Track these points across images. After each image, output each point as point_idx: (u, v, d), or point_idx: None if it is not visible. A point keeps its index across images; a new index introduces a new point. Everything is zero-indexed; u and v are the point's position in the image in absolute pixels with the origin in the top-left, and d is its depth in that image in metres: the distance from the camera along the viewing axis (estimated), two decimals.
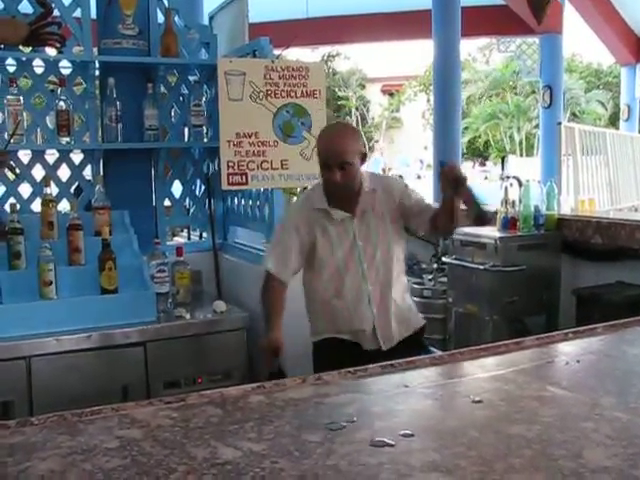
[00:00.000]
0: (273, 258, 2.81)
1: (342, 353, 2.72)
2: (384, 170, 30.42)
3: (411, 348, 2.67)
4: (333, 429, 1.14)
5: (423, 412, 1.23)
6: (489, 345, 1.58)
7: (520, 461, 1.01)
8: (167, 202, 4.14)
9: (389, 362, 1.45)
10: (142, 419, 1.23)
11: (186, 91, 4.06)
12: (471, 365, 1.49)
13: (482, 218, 2.83)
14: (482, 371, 1.45)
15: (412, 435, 1.10)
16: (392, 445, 1.07)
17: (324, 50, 31.27)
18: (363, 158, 2.77)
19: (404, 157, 31.17)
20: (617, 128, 14.49)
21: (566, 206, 5.55)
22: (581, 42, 21.57)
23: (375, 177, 2.95)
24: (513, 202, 4.92)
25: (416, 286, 4.81)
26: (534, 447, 1.07)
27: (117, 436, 1.14)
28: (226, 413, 1.25)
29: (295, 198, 5.02)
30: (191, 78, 4.04)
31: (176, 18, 3.90)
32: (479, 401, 1.25)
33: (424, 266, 5.30)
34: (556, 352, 1.61)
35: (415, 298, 4.68)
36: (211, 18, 4.44)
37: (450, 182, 2.60)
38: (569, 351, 1.64)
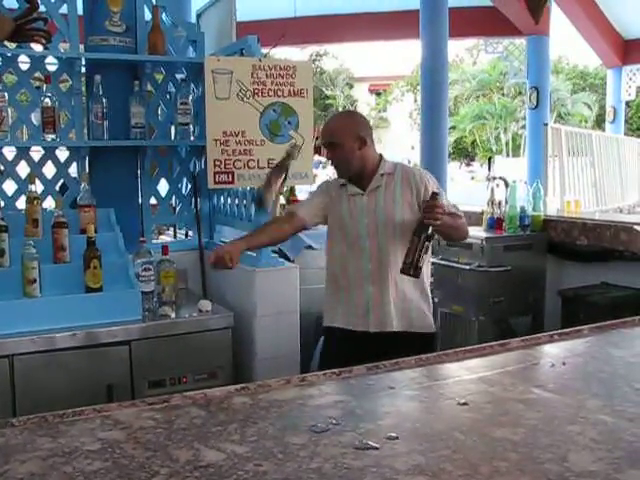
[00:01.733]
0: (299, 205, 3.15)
1: (340, 342, 2.93)
2: None
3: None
4: (317, 431, 1.13)
5: (408, 414, 1.22)
6: (475, 347, 1.57)
7: (505, 464, 1.01)
8: (153, 200, 4.11)
9: (374, 364, 1.44)
10: (125, 420, 1.21)
11: (173, 89, 4.03)
12: (457, 367, 1.49)
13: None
14: (468, 373, 1.44)
15: (397, 438, 1.09)
16: (377, 448, 1.06)
17: (312, 49, 31.28)
18: (362, 142, 2.90)
19: (391, 157, 31.18)
20: (603, 130, 14.57)
21: (552, 207, 5.58)
22: (568, 44, 21.66)
23: (399, 165, 3.06)
24: (499, 203, 4.93)
25: None
26: (520, 450, 1.06)
27: (99, 438, 1.13)
28: (210, 414, 1.24)
29: (281, 197, 5.01)
30: (178, 76, 4.01)
31: (163, 15, 3.87)
32: (464, 403, 1.25)
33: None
34: (542, 354, 1.61)
35: None
36: (199, 16, 4.42)
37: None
38: (555, 353, 1.64)
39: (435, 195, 2.75)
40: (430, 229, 2.71)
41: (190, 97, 3.93)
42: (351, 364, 2.58)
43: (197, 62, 3.79)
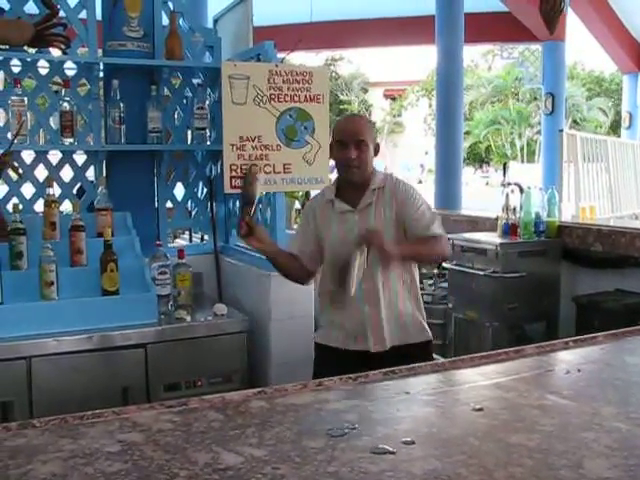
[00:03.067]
0: (290, 242, 3.05)
1: (337, 360, 2.75)
2: None
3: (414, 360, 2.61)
4: (334, 435, 1.14)
5: (424, 419, 1.23)
6: (490, 353, 1.58)
7: (521, 470, 1.01)
8: (169, 204, 4.14)
9: (390, 369, 1.45)
10: (143, 423, 1.23)
11: (190, 94, 4.06)
12: (472, 372, 1.50)
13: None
14: (483, 379, 1.45)
15: (413, 442, 1.10)
16: (393, 452, 1.07)
17: (327, 54, 31.32)
18: (376, 149, 2.85)
19: (406, 162, 31.19)
20: (618, 136, 14.50)
21: (567, 213, 5.56)
22: (583, 50, 21.59)
23: (389, 178, 2.93)
24: (514, 208, 4.93)
25: None
26: (535, 456, 1.07)
27: (118, 440, 1.15)
28: (227, 418, 1.25)
29: (297, 202, 5.04)
30: (195, 81, 4.04)
31: (181, 21, 3.91)
32: (480, 409, 1.25)
33: (424, 271, 5.30)
34: (557, 360, 1.61)
35: None
36: (215, 21, 4.45)
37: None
38: (570, 360, 1.65)
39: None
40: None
41: (207, 102, 3.95)
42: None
43: (214, 67, 3.81)
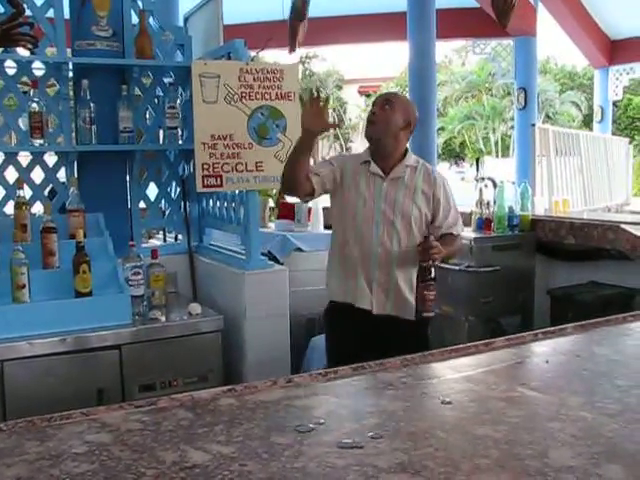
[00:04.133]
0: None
1: (342, 316, 3.06)
2: None
3: (410, 336, 2.91)
4: (302, 431, 1.14)
5: (392, 413, 1.24)
6: (460, 346, 1.59)
7: (486, 461, 1.02)
8: (142, 204, 4.12)
9: (360, 364, 1.46)
10: (112, 423, 1.22)
11: (161, 93, 4.04)
12: (442, 366, 1.50)
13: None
14: (452, 372, 1.46)
15: (381, 437, 1.11)
16: (360, 447, 1.07)
17: (301, 51, 31.25)
18: (407, 125, 3.03)
19: None
20: (591, 129, 14.64)
21: (540, 207, 5.60)
22: (556, 45, 21.75)
23: (421, 161, 3.14)
24: (488, 203, 4.96)
25: None
26: (501, 447, 1.08)
27: (86, 441, 1.14)
28: (196, 416, 1.25)
29: (270, 200, 5.02)
30: (166, 80, 4.02)
31: (150, 19, 3.88)
32: (448, 402, 1.26)
33: None
34: (526, 353, 1.63)
35: None
36: (186, 19, 4.43)
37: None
38: (539, 351, 1.66)
39: (427, 238, 2.88)
40: (432, 270, 2.87)
41: (178, 101, 3.94)
42: (353, 339, 2.73)
43: (185, 66, 3.79)
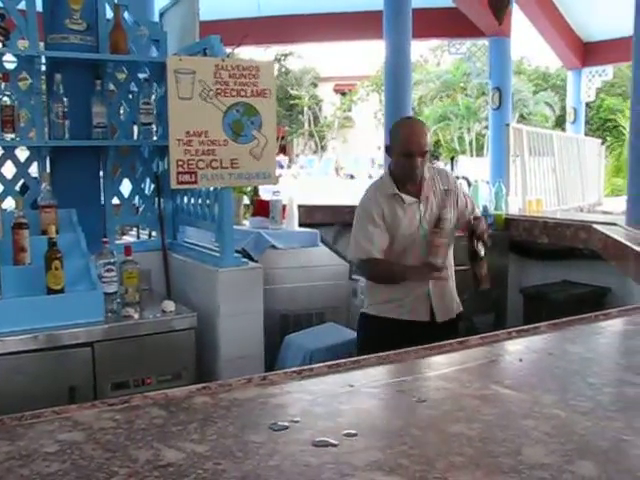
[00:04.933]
0: (360, 246, 3.14)
1: (383, 328, 3.16)
2: (336, 169, 30.53)
3: (452, 329, 3.20)
4: (276, 429, 1.14)
5: (367, 412, 1.24)
6: (434, 344, 1.59)
7: (461, 459, 1.02)
8: (116, 200, 4.09)
9: (335, 362, 1.45)
10: (84, 422, 1.21)
11: (135, 89, 4.01)
12: (416, 364, 1.51)
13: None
14: (427, 370, 1.46)
15: (355, 435, 1.10)
16: (335, 445, 1.07)
17: (277, 49, 31.23)
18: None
19: (356, 156, 31.28)
20: (564, 130, 14.77)
21: (514, 206, 5.64)
22: (530, 46, 21.90)
23: (430, 167, 3.31)
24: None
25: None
26: (475, 445, 1.08)
27: (58, 440, 1.12)
28: (170, 414, 1.24)
29: (245, 197, 5.01)
30: (141, 75, 4.00)
31: (125, 14, 3.86)
32: (423, 400, 1.26)
33: None
34: (500, 351, 1.63)
35: (364, 297, 4.73)
36: (161, 15, 4.40)
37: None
38: (512, 350, 1.67)
39: (475, 223, 3.21)
40: (483, 249, 3.24)
41: (153, 97, 3.92)
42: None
43: (160, 62, 3.78)
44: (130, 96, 4.01)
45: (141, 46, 3.94)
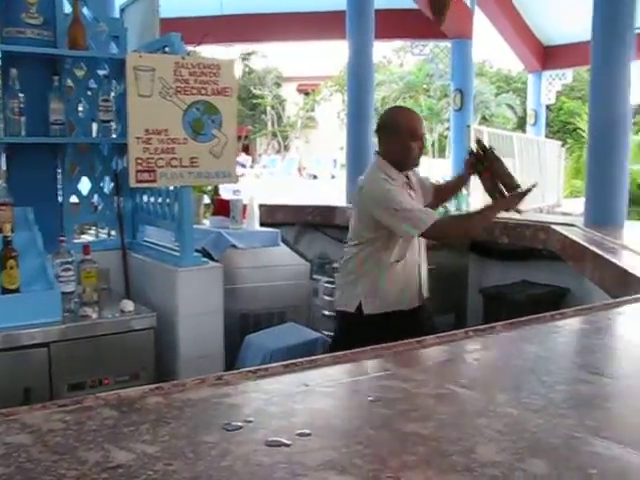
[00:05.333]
0: (417, 217, 3.03)
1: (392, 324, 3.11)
2: (299, 170, 30.50)
3: (426, 311, 3.38)
4: (230, 430, 1.12)
5: (322, 411, 1.23)
6: (391, 344, 1.59)
7: (414, 458, 1.02)
8: (74, 199, 4.03)
9: (291, 361, 1.44)
10: (33, 424, 1.18)
11: (94, 85, 3.96)
12: (372, 364, 1.50)
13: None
14: (383, 369, 1.46)
15: (309, 434, 1.10)
16: (288, 445, 1.06)
17: (241, 48, 31.13)
18: None
19: (318, 157, 31.30)
20: (524, 132, 14.95)
21: (475, 207, 5.68)
22: (492, 48, 22.14)
23: None
24: None
25: (328, 285, 4.83)
26: (429, 444, 1.08)
27: (4, 443, 1.09)
28: (122, 415, 1.22)
29: (205, 197, 4.97)
30: (100, 72, 3.94)
31: (84, 9, 3.80)
32: (377, 399, 1.26)
33: (335, 265, 5.32)
34: (456, 350, 1.64)
35: (326, 297, 4.73)
36: (122, 11, 4.35)
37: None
38: (469, 349, 1.68)
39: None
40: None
41: (112, 94, 3.87)
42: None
43: (119, 58, 3.73)
44: (89, 93, 3.96)
45: (100, 42, 3.89)
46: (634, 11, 4.44)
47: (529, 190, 3.29)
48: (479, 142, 3.46)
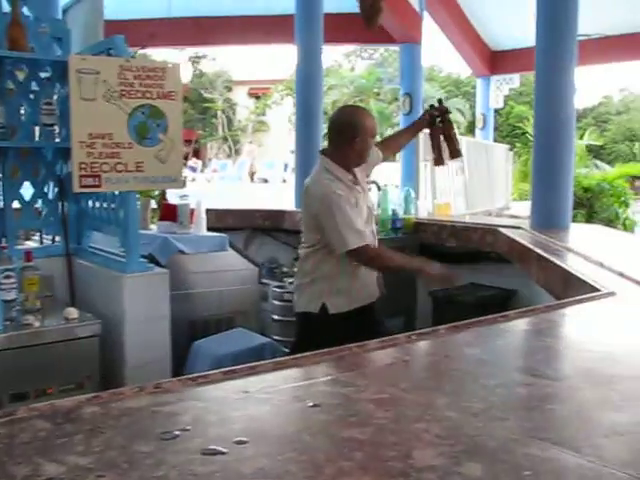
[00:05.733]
0: (351, 234, 3.05)
1: (365, 317, 3.21)
2: (250, 174, 30.40)
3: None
4: (166, 439, 1.10)
5: (259, 418, 1.22)
6: (332, 349, 1.58)
7: (350, 464, 1.02)
8: (17, 204, 3.95)
9: (231, 368, 1.43)
10: None
11: (37, 88, 3.88)
12: (313, 369, 1.50)
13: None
14: (323, 375, 1.45)
15: (246, 442, 1.08)
16: (224, 453, 1.05)
17: (191, 51, 30.91)
18: None
19: (270, 161, 31.23)
20: (474, 136, 15.13)
21: (424, 210, 5.74)
22: (442, 53, 22.39)
23: None
24: (372, 206, 5.03)
25: (277, 289, 4.81)
26: (365, 449, 1.08)
27: None
28: (56, 426, 1.19)
29: (152, 202, 4.91)
30: (42, 74, 3.87)
31: (24, 9, 3.72)
32: (316, 405, 1.25)
33: (285, 269, 5.33)
34: (398, 354, 1.64)
35: (275, 302, 4.71)
36: (64, 12, 4.27)
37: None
38: (411, 353, 1.68)
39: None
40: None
41: (55, 97, 3.80)
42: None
43: (62, 60, 3.66)
44: (31, 96, 3.88)
45: (42, 44, 3.81)
46: (576, 18, 4.52)
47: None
48: (441, 102, 3.62)
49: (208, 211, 4.81)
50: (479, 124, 13.98)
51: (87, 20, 3.96)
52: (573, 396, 1.41)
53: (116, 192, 3.59)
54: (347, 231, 3.03)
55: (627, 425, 1.20)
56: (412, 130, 3.78)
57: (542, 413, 1.29)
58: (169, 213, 4.63)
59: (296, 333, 3.39)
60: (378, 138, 3.56)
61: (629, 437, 1.15)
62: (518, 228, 4.62)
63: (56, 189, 4.04)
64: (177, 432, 1.13)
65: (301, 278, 3.29)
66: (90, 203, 3.98)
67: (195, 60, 34.08)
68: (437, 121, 3.53)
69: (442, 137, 3.52)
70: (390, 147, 3.67)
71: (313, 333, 3.18)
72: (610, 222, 9.69)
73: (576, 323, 2.19)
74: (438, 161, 3.65)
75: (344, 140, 3.16)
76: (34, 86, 3.88)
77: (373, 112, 27.18)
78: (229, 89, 36.33)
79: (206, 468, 1.00)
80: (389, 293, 4.64)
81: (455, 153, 3.55)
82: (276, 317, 4.74)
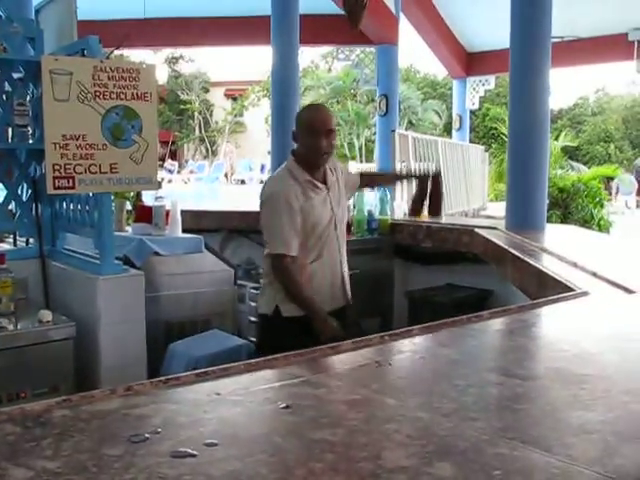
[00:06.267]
0: (279, 239, 3.04)
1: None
2: (226, 175, 30.33)
3: (352, 316, 3.35)
4: (135, 441, 1.10)
5: (230, 420, 1.22)
6: (305, 350, 1.58)
7: (320, 465, 1.02)
8: None
9: (203, 370, 1.43)
10: None
11: (9, 88, 3.84)
12: (286, 371, 1.49)
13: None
14: (295, 377, 1.45)
15: (216, 444, 1.08)
16: (194, 455, 1.04)
17: (168, 52, 30.80)
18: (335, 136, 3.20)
19: (247, 162, 31.15)
20: (450, 137, 15.22)
21: (399, 211, 5.75)
22: (419, 55, 22.49)
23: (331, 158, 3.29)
24: (347, 207, 5.03)
25: (254, 291, 4.80)
26: (336, 451, 1.08)
27: None
28: (25, 430, 1.18)
29: (127, 203, 4.88)
30: (15, 75, 3.83)
31: None
32: (287, 407, 1.25)
33: (262, 271, 5.30)
34: (371, 355, 1.64)
35: (252, 303, 4.70)
36: (37, 12, 4.23)
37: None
38: (384, 354, 1.68)
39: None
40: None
41: (28, 98, 3.77)
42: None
43: (35, 61, 3.62)
44: (3, 96, 3.84)
45: (15, 44, 3.78)
46: (550, 20, 4.56)
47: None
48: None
49: (184, 212, 4.79)
50: (455, 125, 14.06)
51: (60, 20, 3.93)
52: (544, 395, 1.42)
53: (90, 194, 3.56)
54: (273, 235, 3.07)
55: (596, 424, 1.22)
56: (387, 182, 3.84)
57: (513, 413, 1.29)
58: (144, 215, 4.60)
59: (256, 334, 3.40)
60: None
61: (597, 435, 1.17)
62: (494, 229, 4.65)
63: (30, 191, 4.00)
64: (147, 435, 1.12)
65: (263, 279, 3.30)
66: (64, 205, 3.95)
67: (172, 61, 33.96)
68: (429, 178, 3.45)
69: (429, 193, 3.44)
70: (364, 181, 3.63)
71: (269, 335, 3.18)
72: (585, 222, 9.78)
73: (549, 323, 2.21)
74: (415, 211, 3.56)
75: (294, 137, 3.20)
76: (6, 87, 3.84)
77: (350, 113, 27.16)
78: (206, 90, 36.21)
79: (176, 471, 1.00)
80: (365, 294, 4.68)
81: (436, 211, 3.53)
82: (253, 318, 4.73)
